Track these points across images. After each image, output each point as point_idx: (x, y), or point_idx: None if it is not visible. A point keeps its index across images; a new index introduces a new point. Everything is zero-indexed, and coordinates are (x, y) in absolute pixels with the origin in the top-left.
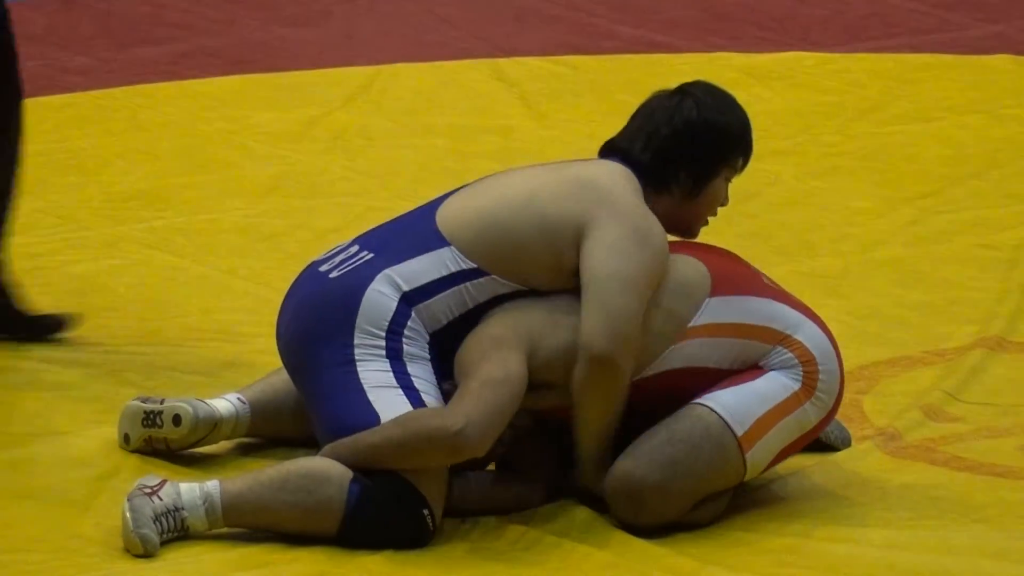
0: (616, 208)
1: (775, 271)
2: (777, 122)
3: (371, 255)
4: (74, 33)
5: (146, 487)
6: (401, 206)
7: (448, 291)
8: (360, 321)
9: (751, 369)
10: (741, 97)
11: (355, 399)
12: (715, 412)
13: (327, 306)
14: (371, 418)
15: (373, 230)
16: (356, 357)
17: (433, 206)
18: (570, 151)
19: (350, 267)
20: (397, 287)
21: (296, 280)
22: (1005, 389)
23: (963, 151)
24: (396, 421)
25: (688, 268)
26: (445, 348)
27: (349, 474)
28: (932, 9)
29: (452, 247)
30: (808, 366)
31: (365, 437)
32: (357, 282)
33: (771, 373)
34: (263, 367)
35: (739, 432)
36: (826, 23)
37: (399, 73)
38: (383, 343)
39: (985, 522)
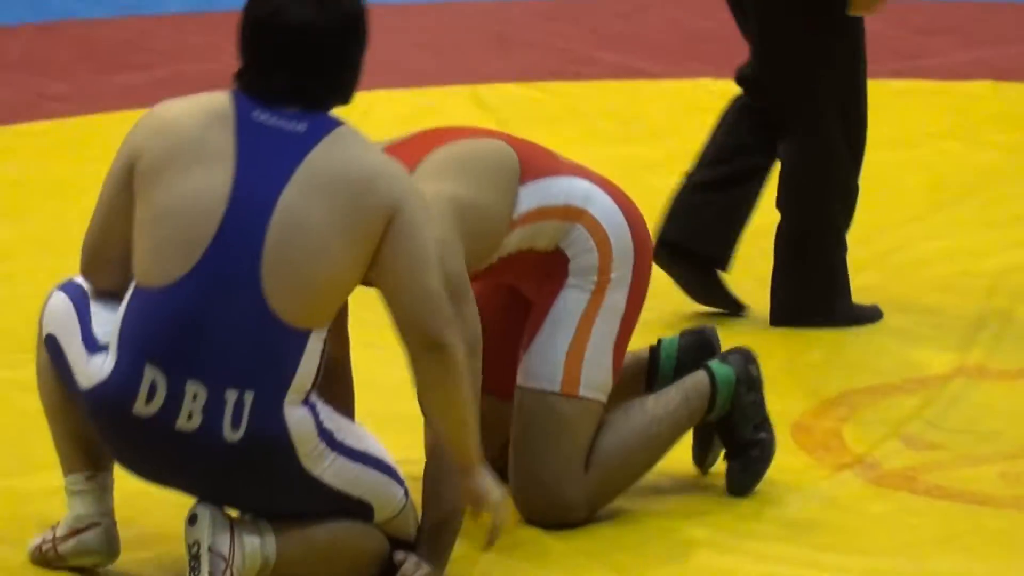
0: None
1: (755, 297)
2: None
3: (250, 393)
4: (53, 59)
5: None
6: None
7: (325, 355)
8: (300, 455)
9: (549, 286)
10: None
11: (331, 502)
12: (527, 390)
13: (260, 480)
14: (367, 511)
15: (173, 347)
16: (309, 471)
17: (243, 290)
18: None
19: (239, 418)
20: (298, 404)
21: (146, 442)
22: (985, 416)
23: (943, 178)
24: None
25: (503, 156)
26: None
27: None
28: (913, 35)
29: (312, 332)
30: (601, 246)
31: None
32: (270, 438)
33: (563, 292)
34: None
35: (555, 388)
36: None
37: (379, 99)
38: (322, 442)
39: (966, 551)
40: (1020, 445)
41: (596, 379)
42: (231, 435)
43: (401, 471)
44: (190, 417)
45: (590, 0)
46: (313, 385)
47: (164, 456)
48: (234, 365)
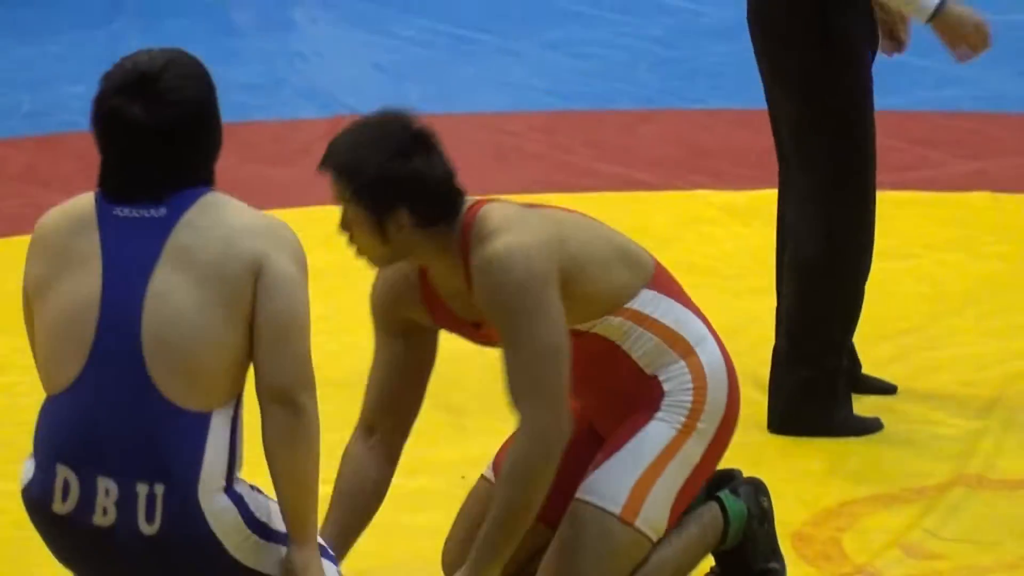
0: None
1: (752, 408)
2: (756, 260)
3: (160, 486)
4: (54, 171)
5: None
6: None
7: (235, 437)
8: (229, 548)
9: (636, 414)
10: (720, 234)
11: None
12: (586, 503)
13: (177, 567)
14: None
15: (89, 442)
16: (251, 567)
17: (132, 377)
18: None
19: (153, 512)
20: (217, 493)
21: (71, 540)
22: (985, 527)
23: (943, 288)
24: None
25: (639, 250)
26: None
27: None
28: (912, 146)
29: (213, 414)
30: (698, 393)
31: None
32: (191, 531)
33: (651, 423)
34: None
35: (616, 510)
36: None
37: None
38: (253, 535)
39: None
40: (1021, 555)
41: (654, 517)
42: (147, 528)
43: (332, 553)
44: (105, 512)
45: (589, 112)
46: (231, 471)
47: (92, 553)
48: (137, 458)
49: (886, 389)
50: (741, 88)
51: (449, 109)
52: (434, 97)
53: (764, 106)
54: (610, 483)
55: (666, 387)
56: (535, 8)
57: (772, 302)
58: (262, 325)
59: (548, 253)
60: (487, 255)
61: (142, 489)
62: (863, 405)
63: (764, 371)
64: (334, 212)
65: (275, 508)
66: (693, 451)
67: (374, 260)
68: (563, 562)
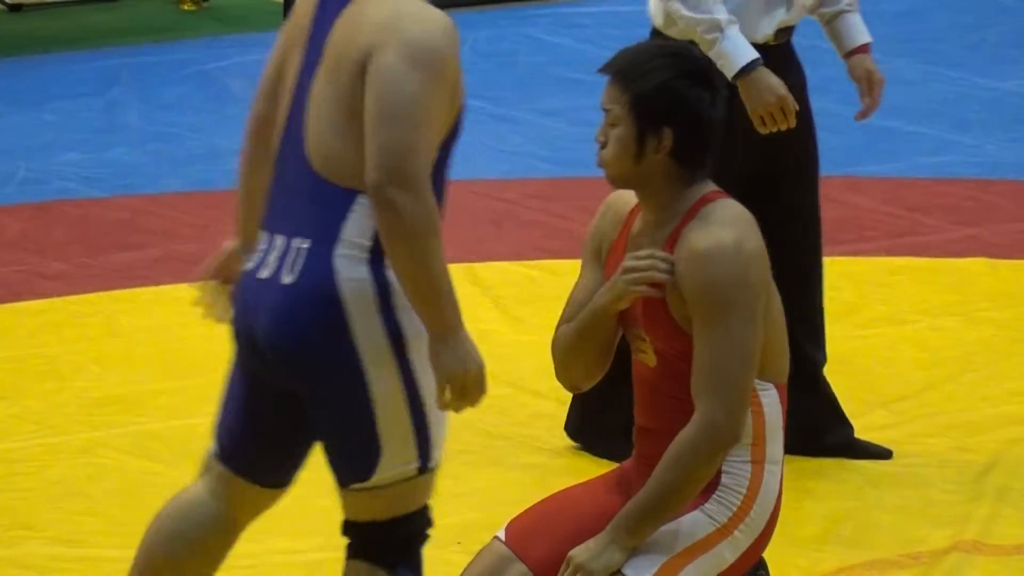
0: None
1: None
2: None
3: (305, 242)
4: (49, 238)
5: None
6: None
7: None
8: (352, 323)
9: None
10: None
11: (364, 429)
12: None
13: (304, 320)
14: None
15: (273, 210)
16: (363, 368)
17: (292, 149)
18: (545, 357)
19: (296, 266)
20: (357, 260)
21: (242, 295)
22: None
23: (938, 354)
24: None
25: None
26: None
27: None
28: (907, 212)
29: (360, 196)
30: (747, 501)
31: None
32: (318, 283)
33: (695, 512)
34: (240, 571)
35: None
36: None
37: None
38: (383, 332)
39: None
40: None
41: None
42: (287, 278)
43: (436, 448)
44: (267, 266)
45: (586, 179)
46: (377, 248)
47: (251, 308)
48: (295, 218)
49: (881, 454)
50: None
51: None
52: None
53: None
54: (639, 556)
55: (724, 480)
56: (532, 76)
57: None
58: (365, 116)
59: (768, 270)
60: (721, 241)
61: (294, 244)
62: (858, 471)
63: None
64: None
65: (425, 348)
66: (724, 555)
67: (615, 176)
68: None
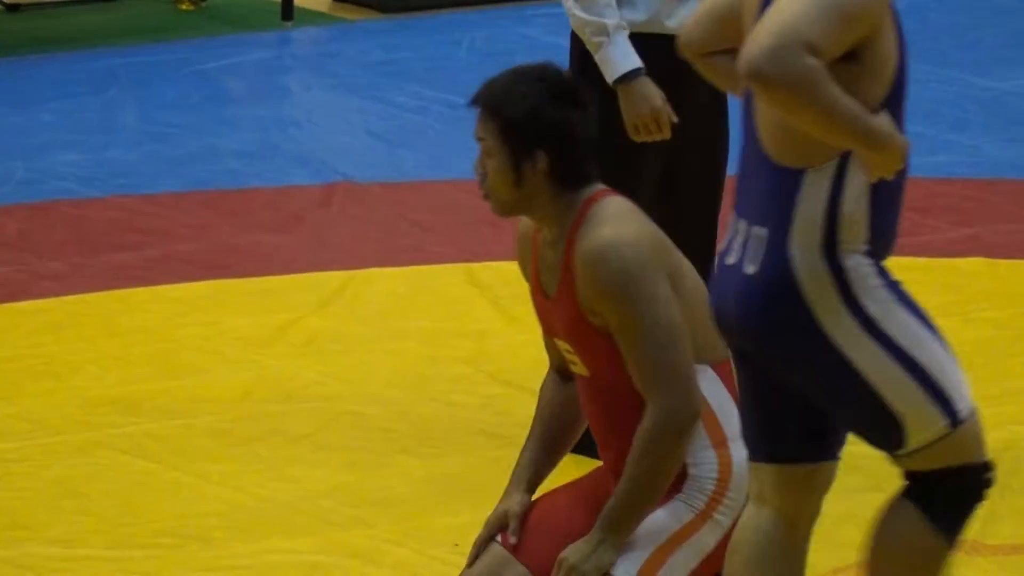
0: None
1: None
2: None
3: (763, 231)
4: (47, 239)
5: None
6: (374, 411)
7: (837, 202)
8: (817, 314)
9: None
10: None
11: (874, 407)
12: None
13: (771, 314)
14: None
15: (739, 192)
16: (845, 356)
17: (750, 132)
18: (542, 356)
19: (757, 254)
20: (813, 249)
21: (715, 278)
22: None
23: None
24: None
25: (718, 334)
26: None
27: None
28: (905, 213)
29: (807, 171)
30: (721, 484)
31: None
32: (778, 278)
33: (671, 502)
34: (239, 571)
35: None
36: None
37: (372, 278)
38: (852, 320)
39: None
40: None
41: None
42: (749, 268)
43: (958, 398)
44: (734, 253)
45: None
46: (831, 233)
47: (723, 293)
48: (755, 205)
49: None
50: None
51: (442, 175)
52: (427, 164)
53: None
54: (623, 552)
55: (691, 471)
56: None
57: None
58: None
59: (658, 252)
60: (599, 240)
61: (754, 231)
62: (858, 471)
63: None
64: (328, 279)
65: (900, 317)
66: (707, 539)
67: (499, 203)
68: None
